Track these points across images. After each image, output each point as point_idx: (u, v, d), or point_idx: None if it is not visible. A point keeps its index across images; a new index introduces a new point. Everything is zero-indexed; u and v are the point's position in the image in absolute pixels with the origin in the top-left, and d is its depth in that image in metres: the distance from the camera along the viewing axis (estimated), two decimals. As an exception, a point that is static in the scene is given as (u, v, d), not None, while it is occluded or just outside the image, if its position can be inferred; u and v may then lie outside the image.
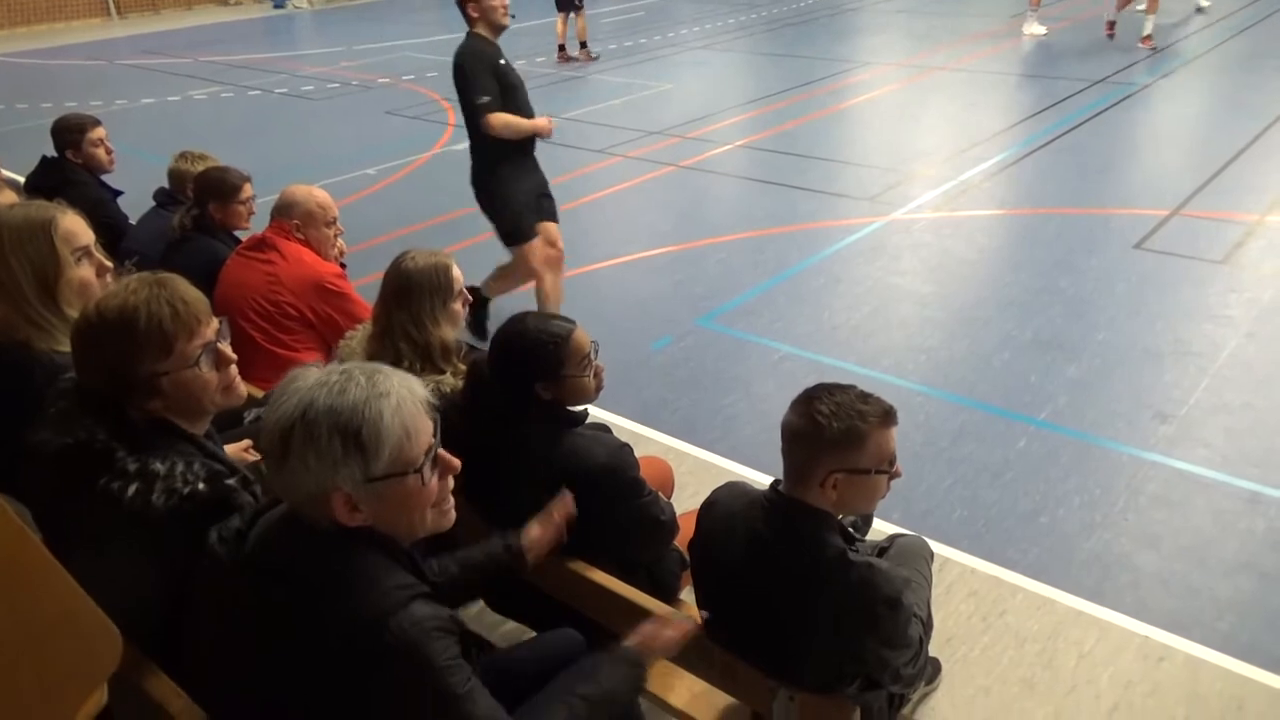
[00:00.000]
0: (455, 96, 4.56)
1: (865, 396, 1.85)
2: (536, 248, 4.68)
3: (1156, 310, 5.10)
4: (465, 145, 4.74)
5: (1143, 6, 10.95)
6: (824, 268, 5.84)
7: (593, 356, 2.24)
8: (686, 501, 3.08)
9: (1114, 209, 6.52)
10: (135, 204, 4.68)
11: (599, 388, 2.29)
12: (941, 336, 4.95)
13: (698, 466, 3.81)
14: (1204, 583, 3.19)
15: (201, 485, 1.67)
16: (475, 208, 4.80)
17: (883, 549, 2.27)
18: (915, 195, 6.94)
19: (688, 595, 2.33)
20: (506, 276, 5.04)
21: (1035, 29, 12.38)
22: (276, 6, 20.21)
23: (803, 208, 6.87)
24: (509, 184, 4.61)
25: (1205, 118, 9.11)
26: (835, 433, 1.80)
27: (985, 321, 5.08)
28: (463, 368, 2.44)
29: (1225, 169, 7.20)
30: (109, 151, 4.72)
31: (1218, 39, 11.92)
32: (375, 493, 1.43)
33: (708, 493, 2.11)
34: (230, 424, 2.29)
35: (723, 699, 2.03)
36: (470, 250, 5.80)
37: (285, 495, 1.48)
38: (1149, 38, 11.11)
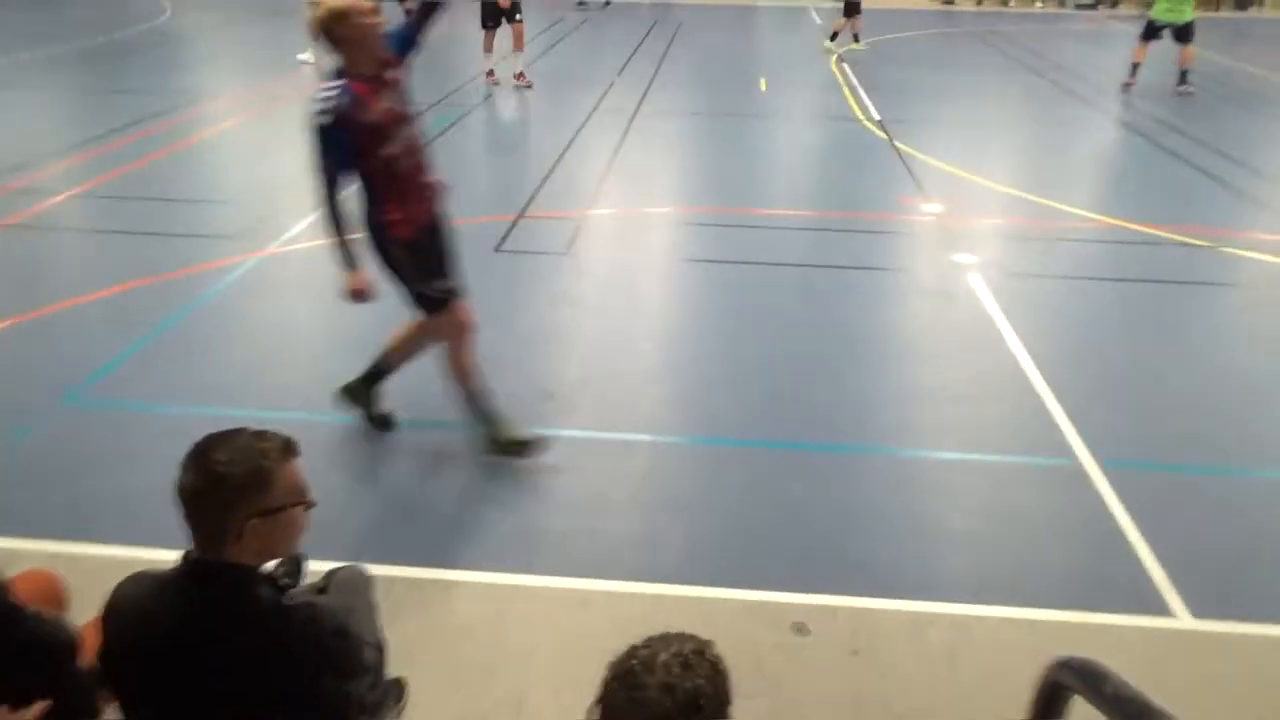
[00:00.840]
0: None
1: (260, 434, 1.78)
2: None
3: (525, 302, 5.75)
4: None
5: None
6: (205, 314, 5.48)
7: None
8: (91, 610, 2.68)
9: (473, 218, 7.15)
10: None
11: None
12: (343, 361, 4.98)
13: (100, 566, 3.33)
14: (605, 527, 3.71)
15: None
16: None
17: (321, 588, 2.24)
18: (288, 226, 6.84)
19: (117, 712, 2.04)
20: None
21: (307, 57, 12.11)
22: None
23: (169, 253, 6.33)
24: None
25: (525, 133, 10.45)
26: (240, 479, 1.71)
27: (379, 341, 5.23)
28: None
29: (550, 175, 8.35)
30: None
31: (526, 61, 13.71)
32: None
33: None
34: None
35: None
36: None
37: None
38: (520, 74, 11.94)
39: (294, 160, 8.74)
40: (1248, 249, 6.81)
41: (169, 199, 7.51)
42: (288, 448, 1.79)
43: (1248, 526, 3.79)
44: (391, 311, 5.58)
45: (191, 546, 1.76)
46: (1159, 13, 11.70)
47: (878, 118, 10.68)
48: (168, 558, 1.82)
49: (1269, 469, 4.20)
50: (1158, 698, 2.86)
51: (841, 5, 14.74)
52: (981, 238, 7.04)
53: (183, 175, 8.29)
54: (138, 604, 1.78)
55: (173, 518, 1.76)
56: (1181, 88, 11.77)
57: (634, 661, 1.44)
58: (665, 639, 1.49)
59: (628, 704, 1.40)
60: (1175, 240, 6.93)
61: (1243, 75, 13.86)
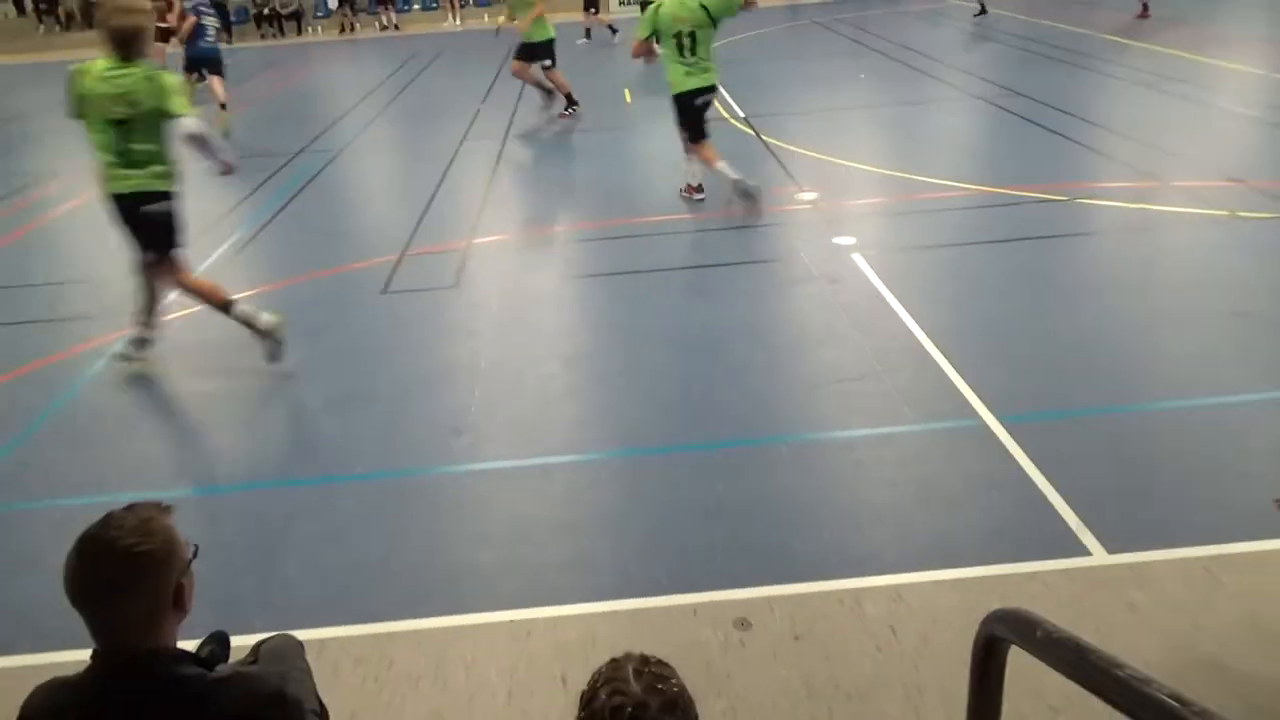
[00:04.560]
0: None
1: (131, 507, 1.73)
2: None
3: (420, 341, 5.64)
4: None
5: None
6: (84, 399, 5.19)
7: None
8: (0, 726, 2.50)
9: (353, 264, 7.00)
10: None
11: None
12: (238, 429, 4.80)
13: (3, 676, 3.11)
14: (535, 554, 3.66)
15: None
16: None
17: (251, 661, 2.13)
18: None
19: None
20: None
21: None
22: None
23: (29, 343, 5.98)
24: None
25: (397, 170, 10.29)
26: (161, 549, 1.67)
27: (275, 399, 5.07)
28: None
29: (429, 209, 8.23)
30: None
31: (388, 98, 13.50)
32: None
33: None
34: None
35: None
36: None
37: None
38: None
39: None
40: (1098, 198, 7.21)
41: (21, 286, 7.11)
42: (165, 508, 1.76)
43: (1141, 459, 3.99)
44: (278, 371, 5.43)
45: (102, 642, 1.66)
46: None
47: (742, 114, 10.90)
48: (79, 659, 1.71)
49: (1150, 401, 4.44)
50: (1086, 634, 2.97)
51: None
52: (858, 219, 7.25)
53: (33, 260, 7.86)
54: (54, 713, 1.66)
55: (78, 617, 1.66)
56: None
57: (608, 693, 1.43)
58: (616, 664, 1.49)
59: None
60: (1035, 198, 7.28)
61: (1064, 34, 14.67)
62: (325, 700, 2.16)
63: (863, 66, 13.64)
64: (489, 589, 3.49)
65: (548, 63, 11.17)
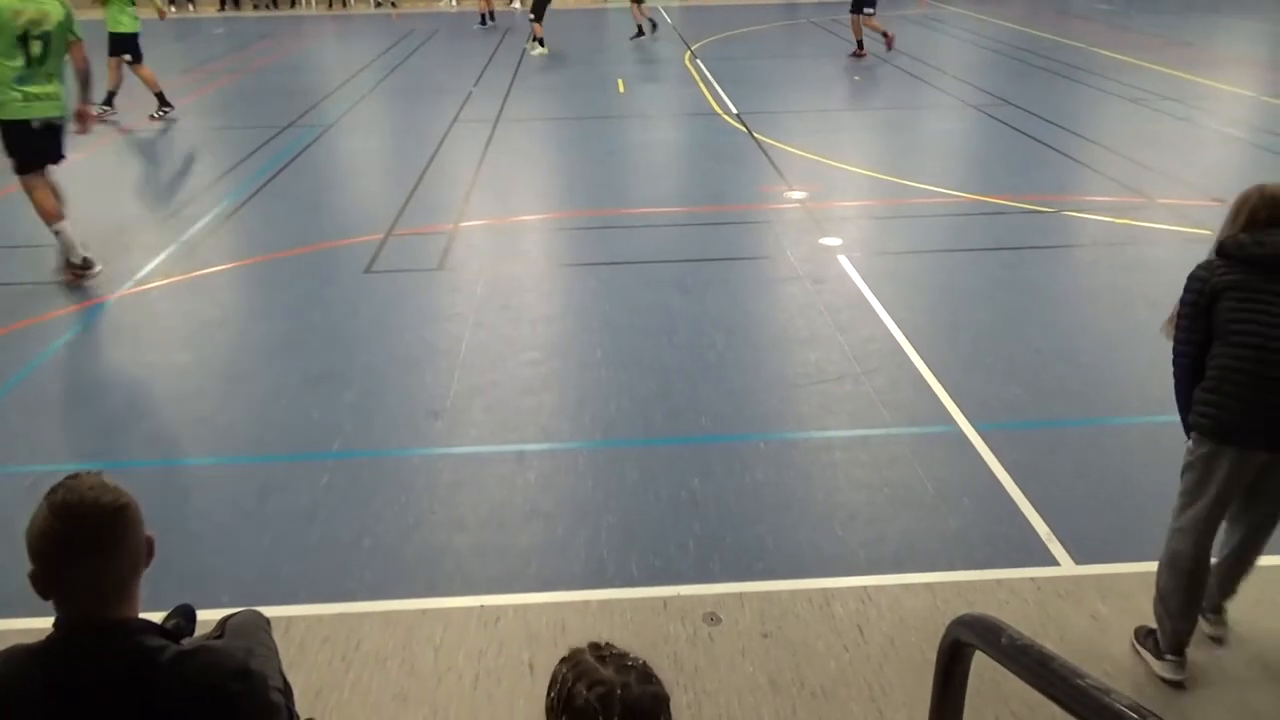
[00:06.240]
0: None
1: (76, 475, 1.70)
2: None
3: (401, 322, 5.61)
4: None
5: None
6: (54, 367, 5.13)
7: None
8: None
9: (337, 241, 6.95)
10: None
11: None
12: (213, 402, 4.76)
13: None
14: (508, 540, 3.66)
15: None
16: None
17: (216, 635, 2.12)
18: (138, 266, 6.48)
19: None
20: None
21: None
22: None
23: (3, 305, 5.91)
24: None
25: (386, 148, 10.23)
26: (131, 500, 1.65)
27: (252, 374, 5.03)
28: None
29: (416, 190, 8.19)
30: None
31: (379, 76, 13.40)
32: None
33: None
34: None
35: None
36: None
37: None
38: None
39: (133, 197, 8.36)
40: (1084, 211, 7.26)
41: (1, 247, 7.02)
42: (97, 473, 1.74)
43: (1114, 472, 4.04)
44: (260, 346, 5.40)
45: (71, 608, 1.64)
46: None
47: (735, 111, 10.89)
48: (42, 626, 1.69)
49: (1127, 415, 4.48)
50: (1051, 643, 3.01)
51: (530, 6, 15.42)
52: (845, 220, 7.27)
53: (15, 221, 7.75)
54: (17, 679, 1.64)
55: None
56: None
57: (586, 685, 1.43)
58: (574, 660, 1.48)
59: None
60: (1022, 208, 7.32)
61: (1063, 48, 14.75)
62: (291, 678, 2.16)
63: (857, 69, 13.67)
64: (460, 573, 3.48)
65: (128, 57, 10.46)
